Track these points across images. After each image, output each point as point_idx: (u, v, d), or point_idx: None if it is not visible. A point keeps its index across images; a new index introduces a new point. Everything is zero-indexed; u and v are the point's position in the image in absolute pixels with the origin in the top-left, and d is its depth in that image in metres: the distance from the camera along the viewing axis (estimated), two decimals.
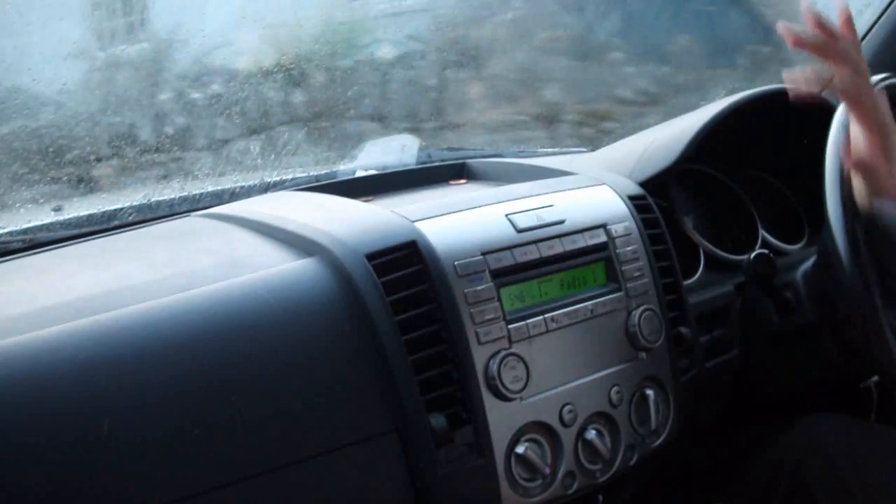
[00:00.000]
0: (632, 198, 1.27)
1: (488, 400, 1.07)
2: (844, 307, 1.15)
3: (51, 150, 1.48)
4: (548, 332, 1.13)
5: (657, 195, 1.34)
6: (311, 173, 1.60)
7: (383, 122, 1.91)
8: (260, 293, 1.03)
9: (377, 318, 1.04)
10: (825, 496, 1.19)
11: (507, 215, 1.16)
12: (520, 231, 1.15)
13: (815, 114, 1.43)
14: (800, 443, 1.24)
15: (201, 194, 1.48)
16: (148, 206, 1.44)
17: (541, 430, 1.12)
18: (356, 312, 1.04)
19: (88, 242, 1.33)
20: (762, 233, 1.52)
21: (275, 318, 1.02)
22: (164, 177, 1.55)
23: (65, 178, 1.49)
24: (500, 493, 1.08)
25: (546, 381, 1.12)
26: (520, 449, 1.09)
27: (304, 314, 1.03)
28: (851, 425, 1.28)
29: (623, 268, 1.21)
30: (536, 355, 1.11)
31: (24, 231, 1.35)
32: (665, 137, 1.43)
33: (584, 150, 1.80)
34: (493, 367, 1.07)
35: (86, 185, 1.50)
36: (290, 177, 1.57)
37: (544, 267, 1.16)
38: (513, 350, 1.09)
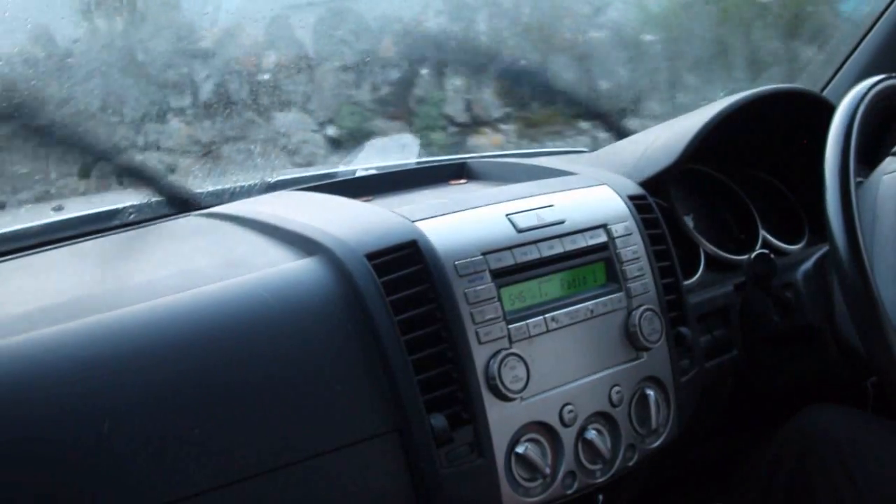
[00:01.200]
0: (632, 198, 1.27)
1: (488, 400, 1.07)
2: (845, 307, 1.15)
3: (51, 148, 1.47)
4: (548, 331, 1.13)
5: (657, 195, 1.34)
6: (312, 173, 1.60)
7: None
8: (260, 293, 1.03)
9: (377, 318, 1.04)
10: (827, 484, 1.19)
11: (507, 215, 1.16)
12: (520, 231, 1.15)
13: (815, 114, 1.43)
14: (799, 433, 1.25)
15: (201, 193, 1.48)
16: (148, 206, 1.44)
17: (541, 429, 1.12)
18: (356, 312, 1.04)
19: (89, 242, 1.33)
20: (762, 233, 1.52)
21: (275, 318, 1.02)
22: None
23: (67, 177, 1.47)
24: (501, 493, 1.08)
25: (546, 381, 1.12)
26: (520, 449, 1.09)
27: (305, 314, 1.03)
28: (850, 414, 1.28)
29: (623, 268, 1.21)
30: (537, 355, 1.11)
31: (25, 231, 1.35)
32: (665, 137, 1.43)
33: (585, 150, 1.80)
34: (494, 366, 1.07)
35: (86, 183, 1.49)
36: (290, 176, 1.57)
37: (544, 267, 1.16)
38: (513, 350, 1.09)
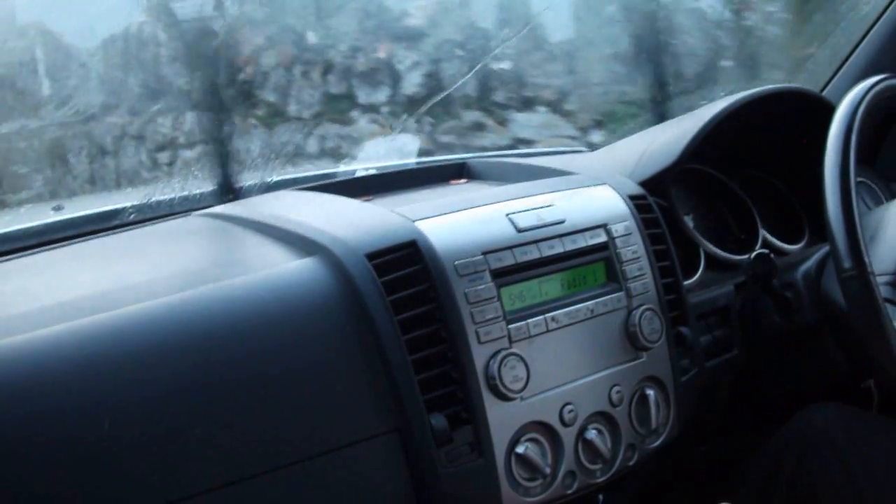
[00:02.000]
0: (632, 197, 1.27)
1: (488, 400, 1.07)
2: (845, 307, 1.15)
3: (51, 148, 1.46)
4: (548, 331, 1.13)
5: (657, 195, 1.34)
6: (312, 173, 1.60)
7: None
8: (260, 293, 1.03)
9: (377, 318, 1.04)
10: (828, 483, 1.19)
11: (507, 215, 1.16)
12: (520, 231, 1.15)
13: (815, 114, 1.43)
14: (799, 433, 1.25)
15: (201, 193, 1.48)
16: (148, 206, 1.44)
17: (541, 429, 1.12)
18: (356, 312, 1.04)
19: (89, 242, 1.33)
20: (762, 233, 1.52)
21: (275, 318, 1.02)
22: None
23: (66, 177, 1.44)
24: (501, 493, 1.08)
25: (546, 381, 1.12)
26: (520, 449, 1.09)
27: (304, 314, 1.03)
28: (852, 413, 1.28)
29: (623, 267, 1.21)
30: (537, 355, 1.11)
31: (25, 231, 1.35)
32: (665, 137, 1.43)
33: (585, 149, 1.80)
34: (494, 366, 1.07)
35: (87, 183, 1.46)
36: (290, 176, 1.57)
37: (545, 266, 1.16)
38: (513, 350, 1.09)
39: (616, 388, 1.17)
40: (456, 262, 1.08)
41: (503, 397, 1.07)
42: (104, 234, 1.36)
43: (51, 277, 1.20)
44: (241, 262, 1.10)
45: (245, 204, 1.34)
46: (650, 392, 1.20)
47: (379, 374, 1.03)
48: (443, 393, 1.05)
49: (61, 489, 0.88)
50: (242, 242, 1.20)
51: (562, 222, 1.18)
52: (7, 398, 0.89)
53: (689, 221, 1.46)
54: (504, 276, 1.12)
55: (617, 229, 1.22)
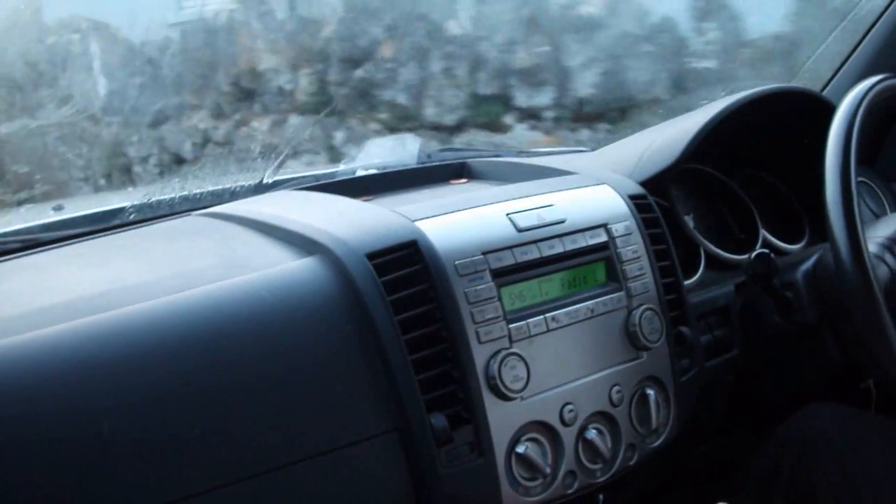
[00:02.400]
0: (632, 197, 1.27)
1: (489, 399, 1.07)
2: (846, 305, 1.15)
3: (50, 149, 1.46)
4: (548, 331, 1.13)
5: (657, 195, 1.34)
6: (312, 173, 1.60)
7: None
8: (260, 293, 1.03)
9: (377, 318, 1.03)
10: (827, 483, 1.20)
11: (507, 215, 1.16)
12: (520, 230, 1.15)
13: (816, 114, 1.43)
14: (798, 432, 1.25)
15: (201, 193, 1.48)
16: (148, 206, 1.44)
17: (541, 429, 1.12)
18: (356, 312, 1.04)
19: (88, 242, 1.33)
20: (763, 232, 1.52)
21: (275, 317, 1.02)
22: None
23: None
24: (501, 493, 1.08)
25: (547, 381, 1.12)
26: (520, 448, 1.09)
27: (305, 314, 1.03)
28: (850, 413, 1.28)
29: (624, 267, 1.21)
30: (537, 355, 1.11)
31: (25, 230, 1.35)
32: (666, 137, 1.43)
33: (585, 149, 1.80)
34: (494, 366, 1.07)
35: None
36: (290, 176, 1.57)
37: (545, 266, 1.16)
38: (513, 349, 1.09)
39: (616, 388, 1.17)
40: (456, 262, 1.08)
41: (503, 397, 1.07)
42: (104, 234, 1.36)
43: (51, 277, 1.20)
44: (241, 262, 1.10)
45: (245, 204, 1.34)
46: (650, 392, 1.20)
47: (379, 374, 1.03)
48: (443, 393, 1.05)
49: (60, 489, 0.88)
50: (242, 242, 1.20)
51: (562, 222, 1.18)
52: (6, 398, 0.89)
53: (689, 221, 1.46)
54: (504, 275, 1.12)
55: (617, 229, 1.22)
